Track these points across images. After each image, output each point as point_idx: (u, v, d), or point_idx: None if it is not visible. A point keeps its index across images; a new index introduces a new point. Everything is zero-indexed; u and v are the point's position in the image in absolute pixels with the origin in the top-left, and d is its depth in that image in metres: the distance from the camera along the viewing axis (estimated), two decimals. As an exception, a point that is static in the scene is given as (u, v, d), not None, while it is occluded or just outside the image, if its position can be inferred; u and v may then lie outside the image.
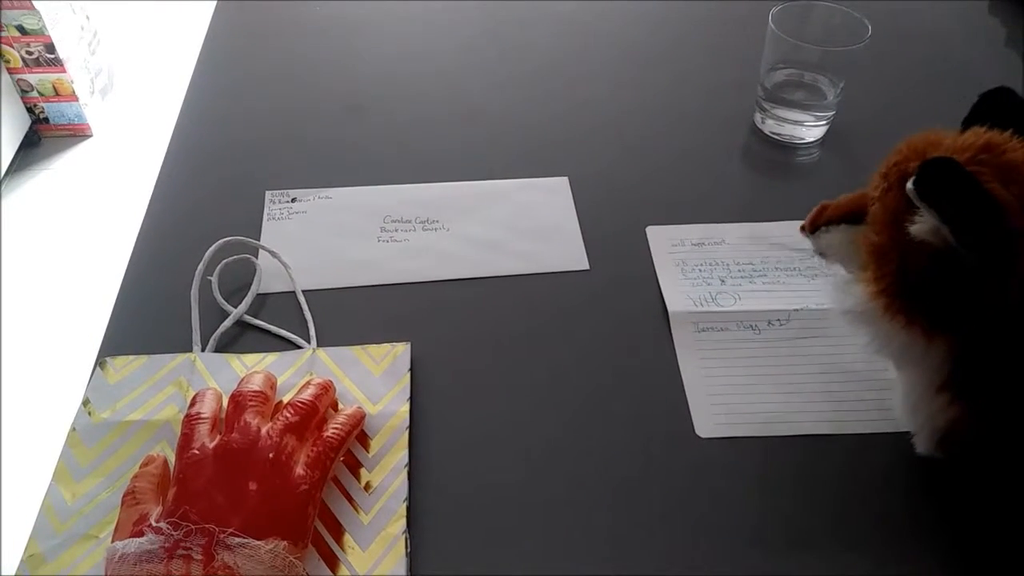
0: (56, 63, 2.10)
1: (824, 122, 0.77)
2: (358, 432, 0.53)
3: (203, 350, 0.58)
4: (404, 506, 0.50)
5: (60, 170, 2.17)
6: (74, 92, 2.17)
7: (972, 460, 0.48)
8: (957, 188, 0.39)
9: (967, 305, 0.42)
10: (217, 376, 0.56)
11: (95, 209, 2.05)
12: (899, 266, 0.44)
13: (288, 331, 0.60)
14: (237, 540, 0.43)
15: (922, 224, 0.41)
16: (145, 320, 0.62)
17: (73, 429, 0.54)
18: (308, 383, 0.53)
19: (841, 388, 0.57)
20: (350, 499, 0.50)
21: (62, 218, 2.04)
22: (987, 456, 0.47)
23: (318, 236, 0.68)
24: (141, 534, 0.44)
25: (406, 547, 0.48)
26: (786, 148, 0.77)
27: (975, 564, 0.48)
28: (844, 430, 0.54)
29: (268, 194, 0.71)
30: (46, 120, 2.22)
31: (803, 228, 0.54)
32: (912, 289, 0.43)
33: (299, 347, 0.59)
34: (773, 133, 0.78)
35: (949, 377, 0.44)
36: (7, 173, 2.10)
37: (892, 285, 0.44)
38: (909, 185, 0.41)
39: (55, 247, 1.96)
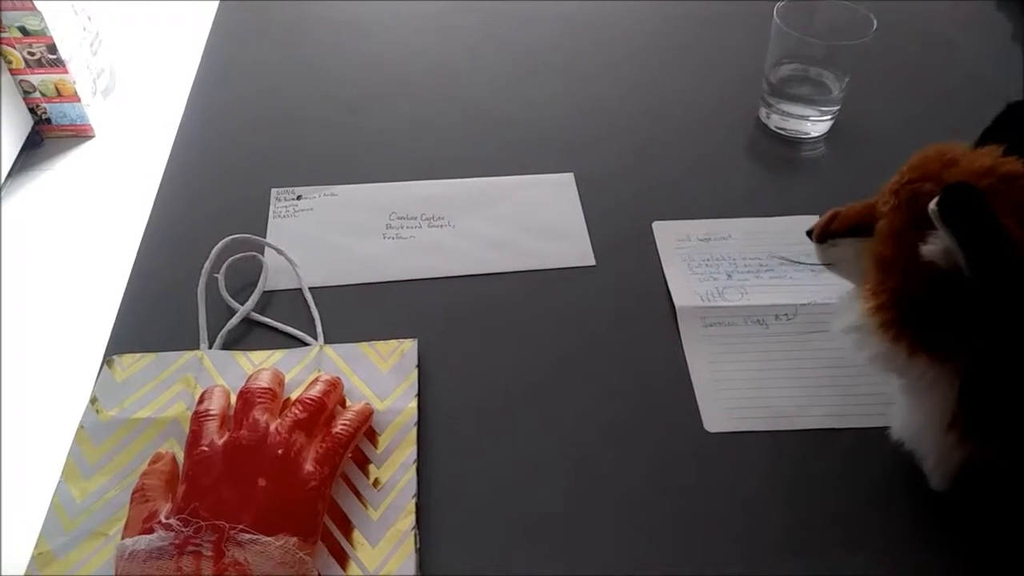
0: (58, 64, 2.10)
1: (829, 117, 0.76)
2: (366, 428, 0.53)
3: (210, 347, 0.58)
4: (413, 502, 0.50)
5: (63, 171, 2.17)
6: (76, 93, 2.17)
7: (990, 498, 0.47)
8: (977, 216, 0.39)
9: (967, 332, 0.41)
10: (225, 373, 0.56)
11: (98, 209, 2.05)
12: (900, 283, 0.43)
13: (295, 328, 0.60)
14: (247, 536, 0.43)
15: (934, 246, 0.41)
16: (152, 318, 0.62)
17: (81, 427, 0.54)
18: (316, 380, 0.53)
19: (849, 382, 0.57)
20: (359, 495, 0.50)
21: (65, 218, 2.04)
22: (1004, 495, 0.46)
23: (324, 233, 0.68)
24: (151, 531, 0.44)
25: (415, 543, 0.48)
26: (791, 143, 0.77)
27: (987, 556, 0.48)
28: (852, 424, 0.54)
29: (274, 192, 0.71)
30: (48, 121, 2.22)
31: (810, 234, 0.53)
32: (911, 308, 0.43)
33: (306, 344, 0.59)
34: (778, 128, 0.78)
35: (958, 413, 0.43)
36: (10, 174, 2.10)
37: (891, 301, 0.44)
38: (932, 206, 0.40)
39: (59, 247, 1.96)
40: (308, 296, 0.62)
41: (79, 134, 2.25)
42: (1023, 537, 0.46)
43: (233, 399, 0.52)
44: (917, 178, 0.44)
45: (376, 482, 0.51)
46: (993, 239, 0.39)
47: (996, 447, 0.44)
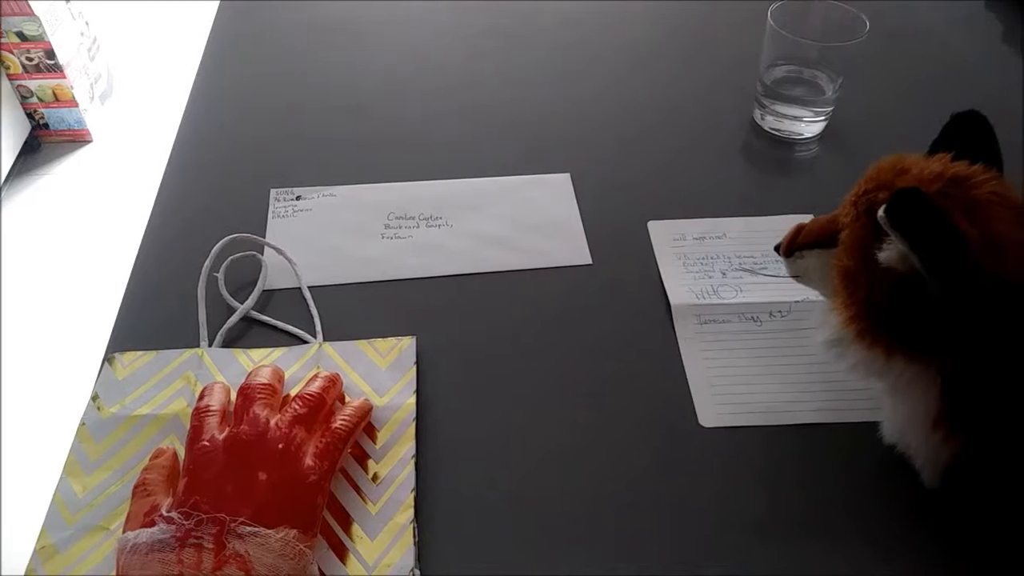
0: (56, 69, 2.11)
1: (823, 118, 0.77)
2: (365, 424, 0.53)
3: (210, 345, 0.59)
4: (412, 496, 0.50)
5: (60, 175, 2.17)
6: (74, 98, 2.17)
7: (979, 494, 0.48)
8: (925, 218, 0.40)
9: (937, 331, 0.43)
10: (225, 371, 0.57)
11: (96, 212, 2.06)
12: (868, 292, 0.45)
13: (294, 326, 0.60)
14: (248, 529, 0.43)
15: (890, 251, 0.42)
16: (153, 316, 0.62)
17: (83, 424, 0.54)
18: (315, 376, 0.54)
19: (841, 377, 0.57)
20: (358, 490, 0.51)
21: (64, 222, 2.04)
22: (992, 490, 0.47)
23: (323, 233, 0.69)
24: (152, 524, 0.44)
25: (414, 537, 0.48)
26: (785, 144, 0.78)
27: (979, 548, 0.49)
28: (845, 418, 0.55)
29: (273, 192, 0.72)
30: (46, 126, 2.22)
31: (778, 249, 0.55)
32: (882, 315, 0.44)
33: (305, 342, 0.59)
34: (772, 129, 0.79)
35: (942, 411, 0.44)
36: (8, 179, 2.10)
37: (862, 311, 0.45)
38: (880, 213, 0.42)
39: (58, 250, 1.96)
40: (307, 295, 0.63)
41: (77, 139, 2.26)
42: (1013, 532, 0.47)
43: (233, 395, 0.52)
44: (872, 188, 0.45)
45: (375, 477, 0.51)
46: (943, 238, 0.40)
47: (982, 442, 0.44)
